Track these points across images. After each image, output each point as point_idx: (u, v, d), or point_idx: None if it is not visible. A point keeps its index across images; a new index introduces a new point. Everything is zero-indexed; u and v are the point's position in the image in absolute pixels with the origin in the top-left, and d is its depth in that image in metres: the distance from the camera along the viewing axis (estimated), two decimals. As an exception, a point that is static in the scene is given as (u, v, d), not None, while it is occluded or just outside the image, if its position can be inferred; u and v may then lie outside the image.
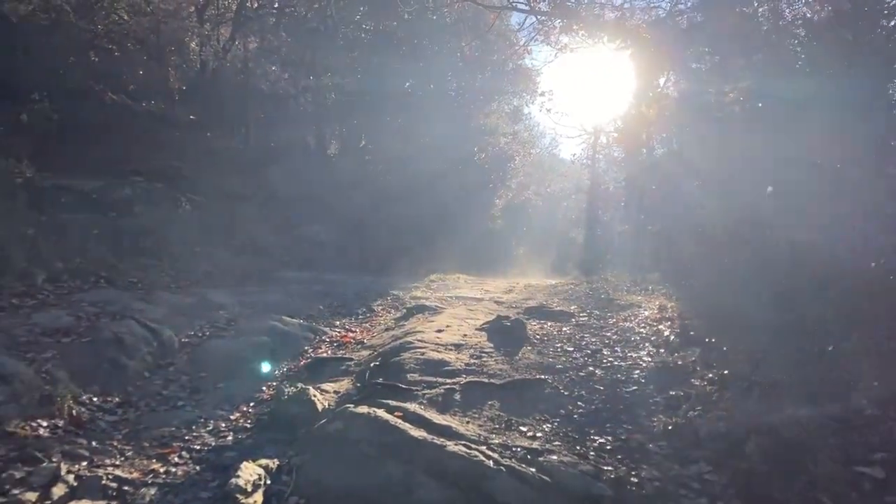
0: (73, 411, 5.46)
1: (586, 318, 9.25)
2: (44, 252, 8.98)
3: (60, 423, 5.23)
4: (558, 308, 10.16)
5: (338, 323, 9.47)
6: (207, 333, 7.92)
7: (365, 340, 8.23)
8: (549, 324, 8.73)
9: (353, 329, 9.09)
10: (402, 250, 19.50)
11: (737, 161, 13.79)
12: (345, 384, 6.34)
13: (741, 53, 14.68)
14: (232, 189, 17.84)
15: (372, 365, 6.43)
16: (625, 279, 14.64)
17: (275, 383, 6.72)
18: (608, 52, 25.35)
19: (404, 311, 10.20)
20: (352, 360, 7.15)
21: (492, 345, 7.11)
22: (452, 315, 9.02)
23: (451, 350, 6.80)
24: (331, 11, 20.36)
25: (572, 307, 10.41)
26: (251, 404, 6.16)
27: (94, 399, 5.82)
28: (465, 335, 7.48)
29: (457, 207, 23.67)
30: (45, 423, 5.13)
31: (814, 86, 11.41)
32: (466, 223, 24.06)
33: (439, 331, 7.64)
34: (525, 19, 37.45)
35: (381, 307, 10.89)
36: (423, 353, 6.54)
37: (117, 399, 5.95)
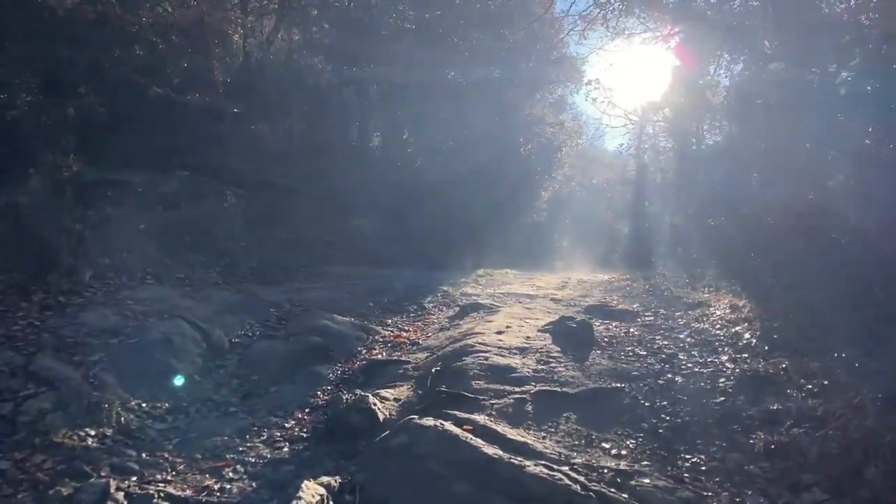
0: (122, 418, 5.17)
1: (652, 318, 8.70)
2: (90, 248, 8.78)
3: (109, 431, 4.95)
4: (620, 307, 9.63)
5: (389, 321, 9.08)
6: (258, 333, 7.62)
7: (420, 341, 7.83)
8: (615, 324, 8.22)
9: (405, 328, 8.70)
10: (446, 244, 19.09)
11: (804, 150, 13.00)
12: (404, 390, 5.93)
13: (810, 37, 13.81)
14: (276, 182, 17.63)
15: (433, 370, 6.01)
16: (681, 275, 13.99)
17: (329, 387, 6.36)
18: (656, 38, 24.55)
19: (457, 309, 9.78)
20: (409, 363, 6.75)
21: (558, 348, 6.63)
22: (510, 314, 8.56)
23: (515, 354, 6.34)
24: (375, 1, 19.96)
25: (635, 305, 9.88)
26: (306, 410, 5.80)
27: (143, 405, 5.52)
28: (528, 337, 7.01)
29: (502, 200, 23.13)
30: (92, 432, 4.84)
31: None
32: (512, 216, 23.57)
33: (500, 332, 7.19)
34: (571, 5, 36.49)
35: (432, 304, 10.49)
36: (486, 358, 6.10)
37: (167, 405, 5.65)
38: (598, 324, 7.89)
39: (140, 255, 9.44)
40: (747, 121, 18.49)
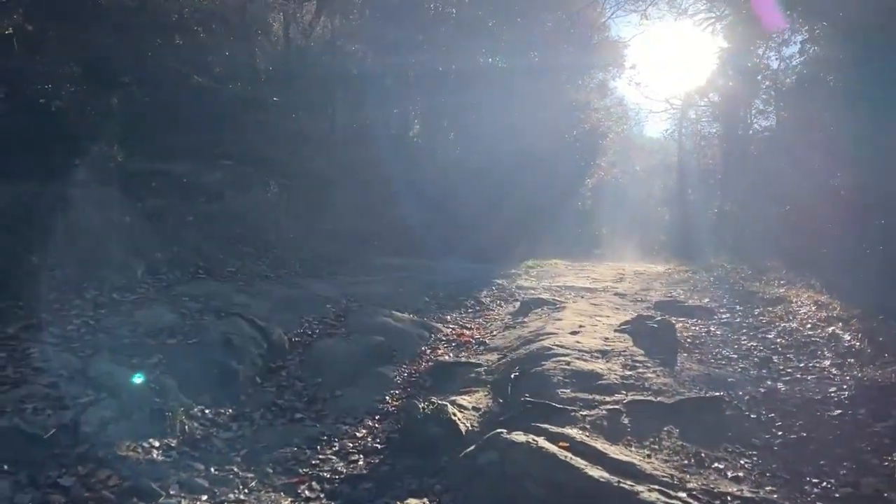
0: (186, 427, 4.84)
1: (729, 316, 8.17)
2: (141, 242, 8.52)
3: (173, 442, 4.62)
4: (692, 302, 9.10)
5: (448, 318, 8.67)
6: (317, 331, 7.25)
7: (486, 340, 7.40)
8: (692, 323, 7.70)
9: (467, 326, 8.28)
10: (490, 233, 18.68)
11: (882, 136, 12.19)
12: (481, 397, 5.51)
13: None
14: (319, 171, 17.37)
15: (512, 376, 5.57)
16: (741, 266, 13.32)
17: (397, 391, 5.97)
18: (709, 20, 23.69)
19: (518, 304, 9.35)
20: (480, 365, 6.32)
21: (641, 351, 6.15)
22: (578, 311, 8.09)
23: (598, 358, 5.88)
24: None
25: (706, 300, 9.34)
26: (376, 418, 5.43)
27: (207, 412, 5.19)
28: (607, 339, 6.54)
29: (546, 187, 22.54)
30: (157, 444, 4.52)
31: None
32: (556, 204, 23.05)
33: (574, 333, 6.73)
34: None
35: (489, 299, 10.05)
36: (567, 363, 5.65)
37: (230, 411, 5.32)
38: (675, 322, 7.36)
39: (190, 249, 9.16)
40: (807, 104, 17.61)
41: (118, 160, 11.73)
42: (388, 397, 5.82)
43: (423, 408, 4.95)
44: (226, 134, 15.81)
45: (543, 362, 5.69)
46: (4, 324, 5.77)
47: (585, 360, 5.74)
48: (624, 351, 6.10)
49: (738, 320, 7.85)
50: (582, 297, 9.68)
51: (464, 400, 5.35)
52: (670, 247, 30.92)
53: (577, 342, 6.26)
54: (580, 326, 7.02)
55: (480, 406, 5.28)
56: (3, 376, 4.91)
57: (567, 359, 5.75)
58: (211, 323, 6.46)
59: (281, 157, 16.49)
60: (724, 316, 8.16)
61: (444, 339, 7.57)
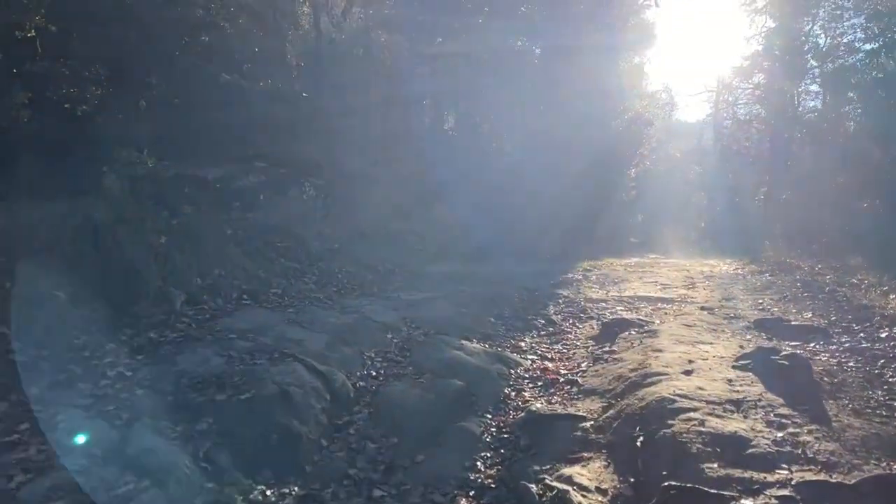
0: (248, 521, 3.93)
1: (850, 339, 7.11)
2: (179, 265, 7.65)
3: (235, 546, 3.70)
4: (795, 319, 8.02)
5: (522, 344, 7.70)
6: (382, 371, 6.31)
7: (577, 379, 6.37)
8: (810, 348, 6.66)
9: (547, 356, 7.29)
10: (536, 230, 17.67)
11: None
12: (600, 470, 4.51)
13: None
14: (355, 170, 16.52)
15: (637, 443, 4.57)
16: (820, 266, 12.17)
17: (488, 454, 5.01)
18: None
19: (595, 324, 8.36)
20: (583, 418, 5.32)
21: (780, 399, 5.09)
22: (675, 338, 7.05)
23: (732, 412, 4.85)
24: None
25: (808, 315, 8.24)
26: (471, 494, 4.47)
27: (268, 492, 4.29)
28: (730, 381, 5.50)
29: (589, 180, 21.40)
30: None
31: None
32: (601, 197, 21.88)
33: (688, 372, 5.70)
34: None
35: (559, 316, 9.06)
36: (700, 421, 4.63)
37: (296, 489, 4.41)
38: (801, 353, 6.30)
39: (231, 269, 8.30)
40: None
41: (148, 165, 10.95)
42: (479, 463, 4.87)
43: (538, 493, 3.98)
44: (257, 133, 14.99)
45: (670, 421, 4.67)
46: (28, 381, 4.91)
47: (720, 417, 4.72)
48: (759, 400, 5.06)
49: (864, 345, 6.76)
50: (665, 313, 8.66)
51: (582, 477, 4.35)
52: (714, 235, 29.58)
53: (700, 389, 5.23)
54: (690, 362, 5.99)
55: (605, 485, 4.28)
56: (25, 459, 4.06)
57: (696, 415, 4.73)
58: (264, 370, 5.54)
59: (313, 156, 15.65)
60: (843, 339, 7.07)
61: (526, 375, 6.58)
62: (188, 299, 7.10)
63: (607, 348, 7.19)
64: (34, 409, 4.55)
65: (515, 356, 7.11)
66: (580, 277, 12.53)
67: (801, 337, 7.16)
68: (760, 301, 9.40)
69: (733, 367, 5.87)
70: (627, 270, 13.53)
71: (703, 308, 8.96)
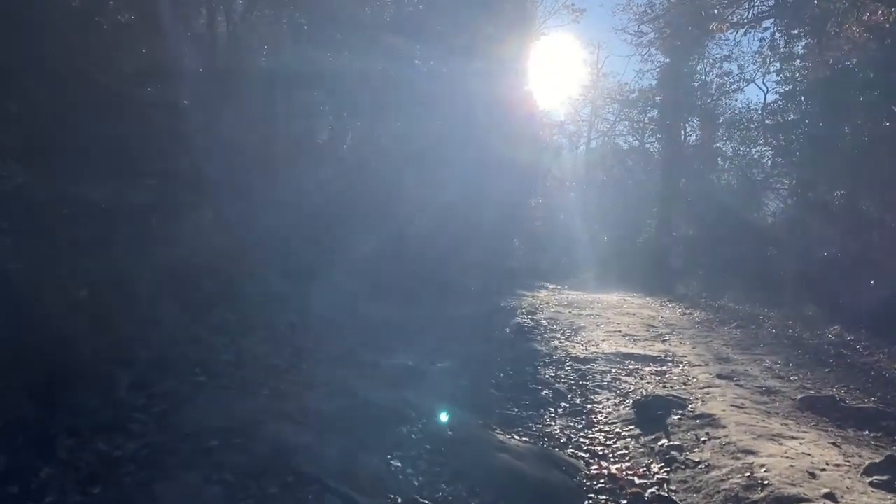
0: None
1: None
2: (109, 326, 5.41)
3: None
4: (854, 403, 7.23)
5: (552, 431, 6.32)
6: (426, 493, 4.57)
7: (663, 494, 5.00)
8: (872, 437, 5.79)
9: (596, 450, 5.89)
10: (459, 265, 16.40)
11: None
12: None
13: None
14: (254, 190, 14.51)
15: None
16: (773, 313, 11.84)
17: None
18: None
19: (617, 399, 7.12)
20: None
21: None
22: (745, 428, 6.03)
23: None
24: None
25: (855, 392, 7.51)
26: None
27: None
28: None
29: (494, 208, 20.43)
30: None
31: None
32: (508, 225, 21.01)
33: (830, 497, 4.55)
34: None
35: (561, 385, 8.00)
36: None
37: None
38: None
39: (172, 332, 6.11)
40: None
41: (17, 182, 8.62)
42: None
43: None
44: (143, 147, 12.60)
45: None
46: None
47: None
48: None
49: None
50: (684, 384, 7.56)
51: None
52: (610, 268, 29.10)
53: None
54: (812, 476, 4.83)
55: None
56: None
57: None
58: None
59: (212, 174, 13.43)
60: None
61: (596, 486, 5.10)
62: (134, 382, 4.92)
63: (665, 442, 5.93)
64: None
65: (563, 454, 5.65)
66: (530, 323, 11.36)
67: (856, 418, 6.32)
68: (767, 366, 8.62)
69: (871, 483, 4.74)
70: (572, 313, 12.53)
71: (719, 377, 7.98)
